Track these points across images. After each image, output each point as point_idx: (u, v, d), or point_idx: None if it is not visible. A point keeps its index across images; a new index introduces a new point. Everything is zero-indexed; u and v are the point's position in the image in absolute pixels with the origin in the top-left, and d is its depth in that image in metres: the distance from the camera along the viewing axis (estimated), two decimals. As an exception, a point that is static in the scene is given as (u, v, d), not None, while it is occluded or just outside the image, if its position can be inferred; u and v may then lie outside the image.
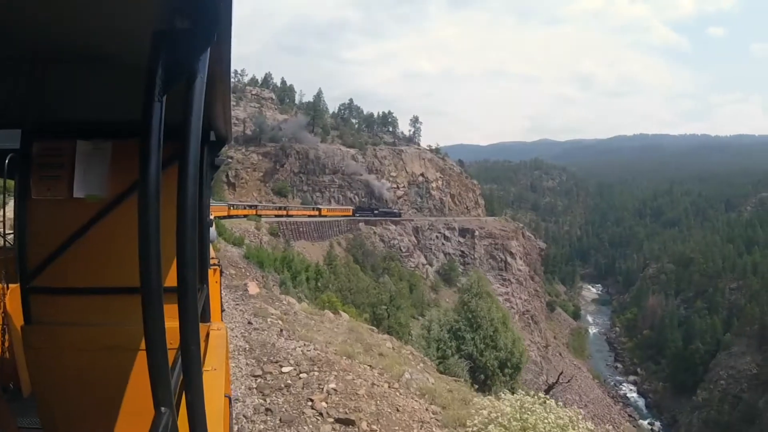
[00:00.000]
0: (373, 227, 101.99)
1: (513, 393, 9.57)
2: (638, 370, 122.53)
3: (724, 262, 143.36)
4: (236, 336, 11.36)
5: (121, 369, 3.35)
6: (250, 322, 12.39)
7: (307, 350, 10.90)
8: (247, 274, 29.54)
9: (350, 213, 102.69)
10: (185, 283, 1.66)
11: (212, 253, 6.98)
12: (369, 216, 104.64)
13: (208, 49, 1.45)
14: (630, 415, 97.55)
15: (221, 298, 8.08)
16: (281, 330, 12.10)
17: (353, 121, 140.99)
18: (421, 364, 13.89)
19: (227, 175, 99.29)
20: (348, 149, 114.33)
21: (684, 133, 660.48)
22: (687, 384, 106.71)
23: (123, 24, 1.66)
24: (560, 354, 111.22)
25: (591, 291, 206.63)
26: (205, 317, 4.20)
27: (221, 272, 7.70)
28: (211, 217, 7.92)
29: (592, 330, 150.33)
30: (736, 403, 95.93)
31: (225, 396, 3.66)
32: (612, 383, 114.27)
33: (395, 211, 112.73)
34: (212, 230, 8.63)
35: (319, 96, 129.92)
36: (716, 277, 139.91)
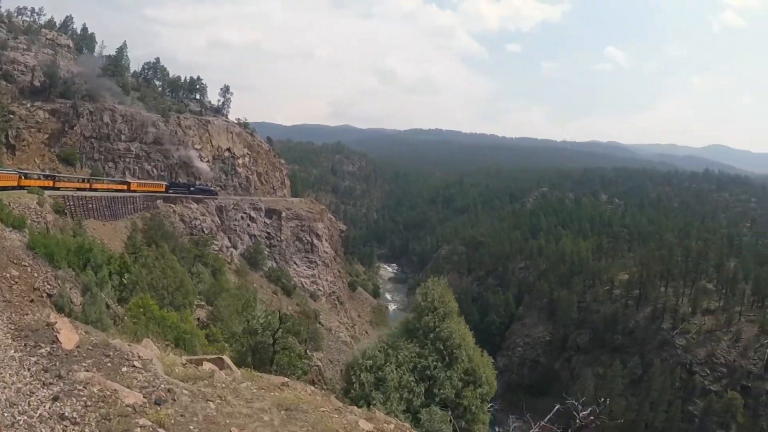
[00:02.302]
0: (173, 205, 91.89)
1: None
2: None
3: (511, 246, 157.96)
4: None
5: None
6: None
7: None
8: (35, 275, 22.29)
9: (163, 189, 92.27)
10: None
11: None
12: (184, 193, 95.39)
13: None
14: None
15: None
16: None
17: (157, 83, 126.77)
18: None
19: (7, 135, 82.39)
20: (149, 114, 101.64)
21: (475, 131, 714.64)
22: (486, 352, 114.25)
23: None
24: (366, 332, 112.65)
25: (388, 270, 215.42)
26: None
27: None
28: None
29: (392, 307, 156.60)
30: (535, 367, 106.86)
31: None
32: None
33: (212, 188, 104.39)
34: None
35: (122, 50, 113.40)
36: (505, 258, 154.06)
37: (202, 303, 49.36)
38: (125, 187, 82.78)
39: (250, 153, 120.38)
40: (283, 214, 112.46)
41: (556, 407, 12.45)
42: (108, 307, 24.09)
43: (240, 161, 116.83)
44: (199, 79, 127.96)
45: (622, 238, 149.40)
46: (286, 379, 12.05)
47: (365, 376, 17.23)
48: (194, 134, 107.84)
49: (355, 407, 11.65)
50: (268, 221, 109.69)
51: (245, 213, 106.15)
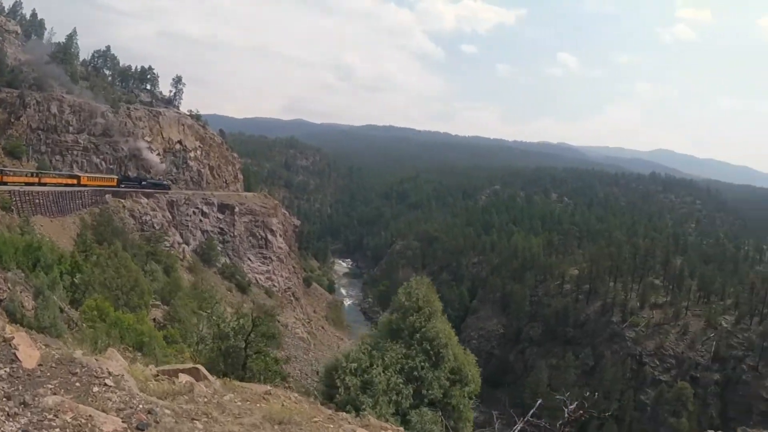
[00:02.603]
0: (122, 200, 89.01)
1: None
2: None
3: (465, 241, 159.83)
4: None
5: None
6: None
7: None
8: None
9: (114, 183, 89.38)
10: None
11: None
12: (136, 187, 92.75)
13: None
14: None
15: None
16: None
17: (107, 72, 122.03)
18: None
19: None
20: (98, 105, 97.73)
21: (429, 129, 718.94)
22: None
23: None
24: (322, 327, 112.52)
25: (342, 265, 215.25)
26: None
27: None
28: None
29: (347, 302, 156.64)
30: (490, 359, 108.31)
31: None
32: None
33: (164, 182, 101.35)
34: None
35: (72, 37, 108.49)
36: (458, 253, 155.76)
37: (158, 303, 47.67)
38: (75, 181, 79.71)
39: (202, 146, 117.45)
40: (237, 209, 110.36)
41: (539, 402, 12.34)
42: (61, 310, 22.78)
43: (192, 154, 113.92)
44: (150, 68, 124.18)
45: (572, 235, 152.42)
46: (269, 387, 11.49)
47: (350, 379, 16.73)
48: (144, 126, 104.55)
49: (345, 413, 11.21)
50: (221, 216, 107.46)
51: (197, 208, 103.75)
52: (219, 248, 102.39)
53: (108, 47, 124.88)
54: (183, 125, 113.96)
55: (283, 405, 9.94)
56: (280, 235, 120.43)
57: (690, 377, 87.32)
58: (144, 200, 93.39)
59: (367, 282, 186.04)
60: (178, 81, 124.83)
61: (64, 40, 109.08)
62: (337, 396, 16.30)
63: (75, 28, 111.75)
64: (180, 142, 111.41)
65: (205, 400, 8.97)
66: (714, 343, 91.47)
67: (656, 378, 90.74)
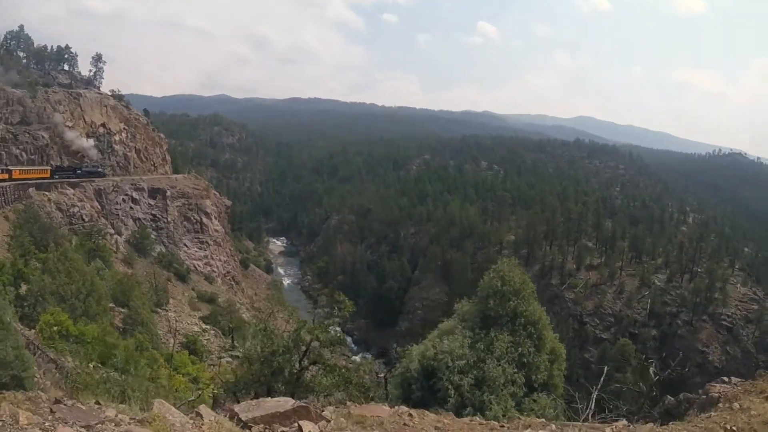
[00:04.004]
0: (47, 193, 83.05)
1: None
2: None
3: (400, 212, 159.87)
4: None
5: None
6: None
7: None
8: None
9: (48, 174, 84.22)
10: None
11: None
12: (71, 177, 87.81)
13: None
14: (342, 354, 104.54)
15: None
16: None
17: (20, 54, 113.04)
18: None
19: None
20: (14, 91, 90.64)
21: (354, 101, 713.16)
22: (386, 318, 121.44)
23: None
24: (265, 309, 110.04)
25: (277, 244, 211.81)
26: None
27: None
28: None
29: (286, 281, 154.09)
30: (435, 328, 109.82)
31: None
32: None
33: (100, 170, 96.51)
34: None
35: None
36: (395, 225, 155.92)
37: (112, 305, 44.42)
38: (7, 176, 74.47)
39: (127, 128, 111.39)
40: (168, 193, 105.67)
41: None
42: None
43: (117, 137, 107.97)
44: (67, 47, 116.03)
45: (505, 202, 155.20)
46: (386, 406, 10.23)
47: (461, 378, 15.66)
48: (65, 110, 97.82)
49: (495, 423, 10.22)
50: (152, 202, 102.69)
51: (127, 195, 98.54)
52: (153, 236, 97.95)
53: (21, 26, 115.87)
54: (106, 107, 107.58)
55: (437, 428, 8.88)
56: (215, 218, 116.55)
57: (629, 334, 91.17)
58: (70, 191, 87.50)
59: (304, 260, 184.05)
60: (98, 59, 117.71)
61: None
62: (449, 399, 15.23)
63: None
64: (104, 125, 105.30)
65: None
66: (649, 300, 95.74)
67: (598, 336, 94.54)
